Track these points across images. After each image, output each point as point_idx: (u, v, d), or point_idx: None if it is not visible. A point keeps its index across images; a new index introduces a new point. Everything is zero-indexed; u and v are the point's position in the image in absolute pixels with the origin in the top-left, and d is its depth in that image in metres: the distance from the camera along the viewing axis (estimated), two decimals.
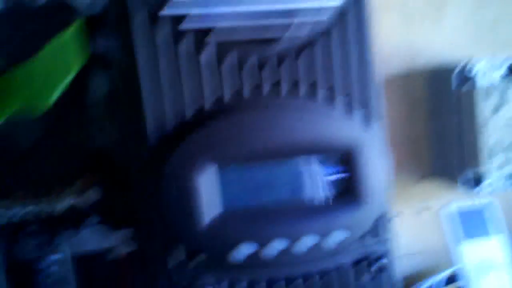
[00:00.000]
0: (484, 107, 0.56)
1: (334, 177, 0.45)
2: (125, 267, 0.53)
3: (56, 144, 0.51)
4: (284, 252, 0.43)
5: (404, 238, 0.50)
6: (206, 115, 0.42)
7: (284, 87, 0.44)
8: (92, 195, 0.50)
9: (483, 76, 0.57)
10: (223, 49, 0.42)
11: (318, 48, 0.44)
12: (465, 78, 0.57)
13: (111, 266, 0.53)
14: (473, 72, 0.56)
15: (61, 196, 0.49)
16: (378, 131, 0.46)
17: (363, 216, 0.45)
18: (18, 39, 0.47)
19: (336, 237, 0.44)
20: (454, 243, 0.58)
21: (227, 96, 0.43)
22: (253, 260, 0.43)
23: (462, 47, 0.63)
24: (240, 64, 0.43)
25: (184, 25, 0.42)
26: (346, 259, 0.47)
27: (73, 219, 0.51)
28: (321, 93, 0.44)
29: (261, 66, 0.43)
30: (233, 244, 0.43)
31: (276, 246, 0.43)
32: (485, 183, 0.57)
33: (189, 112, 0.42)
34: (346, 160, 0.44)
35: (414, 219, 0.65)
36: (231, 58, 0.43)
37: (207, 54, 0.42)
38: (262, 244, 0.43)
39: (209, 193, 0.42)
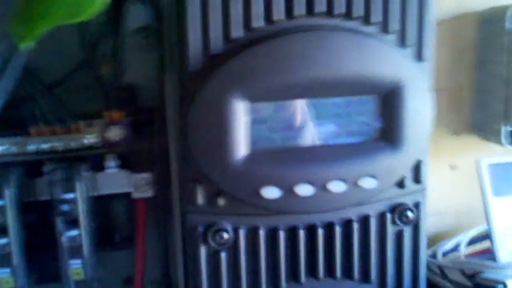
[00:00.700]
0: None
1: (371, 120, 0.42)
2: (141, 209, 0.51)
3: (83, 79, 0.51)
4: (311, 198, 0.41)
5: (432, 195, 0.47)
6: (246, 42, 0.39)
7: (338, 9, 0.40)
8: (114, 134, 0.48)
9: None
10: None
11: None
12: None
13: (128, 207, 0.52)
14: None
15: (80, 133, 0.47)
16: (427, 72, 0.43)
17: (397, 163, 0.43)
18: None
19: (367, 183, 0.42)
20: (483, 200, 0.55)
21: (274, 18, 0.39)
22: (278, 204, 0.41)
23: None
24: None
25: None
26: (374, 208, 0.45)
27: (92, 160, 0.49)
28: (374, 23, 0.41)
29: None
30: (259, 186, 0.40)
31: (303, 190, 0.41)
32: None
33: (234, 36, 0.39)
34: (388, 101, 0.42)
35: (442, 176, 0.63)
36: None
37: None
38: (289, 188, 0.41)
39: (237, 130, 0.39)
